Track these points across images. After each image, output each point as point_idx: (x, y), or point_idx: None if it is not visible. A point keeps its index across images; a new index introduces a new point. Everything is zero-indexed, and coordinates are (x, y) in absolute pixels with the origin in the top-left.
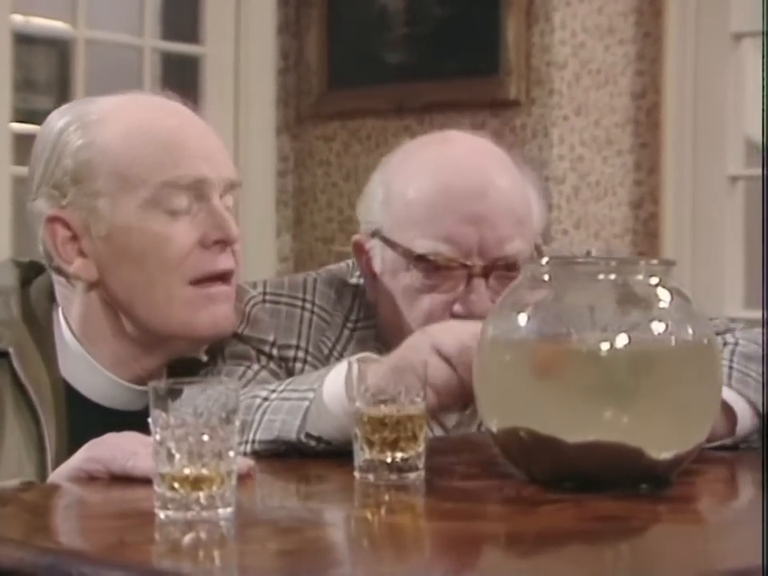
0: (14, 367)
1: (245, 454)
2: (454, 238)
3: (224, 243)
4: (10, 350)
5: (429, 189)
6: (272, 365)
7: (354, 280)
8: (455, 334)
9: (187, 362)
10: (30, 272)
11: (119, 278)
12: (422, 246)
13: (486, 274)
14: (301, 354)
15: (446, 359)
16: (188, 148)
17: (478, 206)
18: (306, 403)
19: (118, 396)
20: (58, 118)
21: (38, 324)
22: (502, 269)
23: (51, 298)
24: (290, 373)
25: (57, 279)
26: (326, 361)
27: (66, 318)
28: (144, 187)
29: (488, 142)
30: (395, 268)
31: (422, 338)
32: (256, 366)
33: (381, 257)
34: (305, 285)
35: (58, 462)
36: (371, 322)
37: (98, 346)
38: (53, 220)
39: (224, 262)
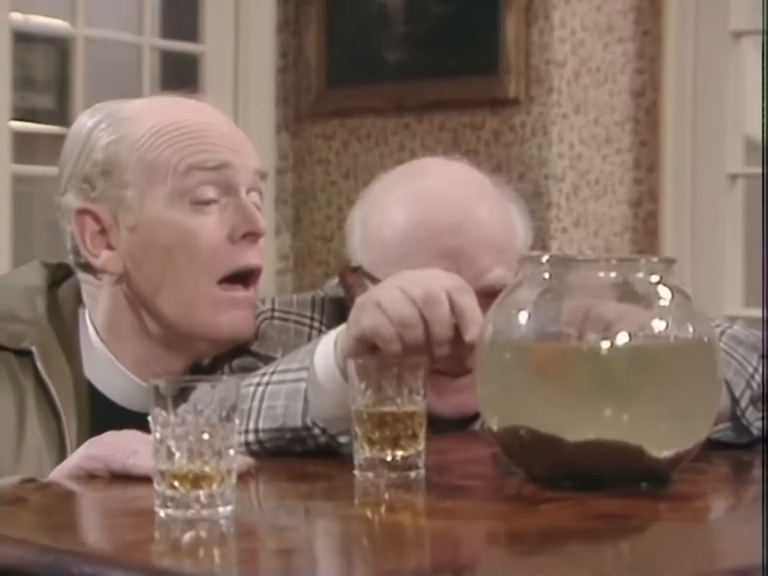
0: (36, 366)
1: (247, 444)
2: None
3: (253, 236)
4: (33, 349)
5: (403, 226)
6: None
7: None
8: (426, 278)
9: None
10: (59, 273)
11: (146, 271)
12: None
13: None
14: None
15: (410, 297)
16: (214, 137)
17: (453, 240)
18: (303, 385)
19: (141, 398)
20: (89, 117)
21: (63, 324)
22: (483, 296)
23: (78, 300)
24: None
25: (83, 277)
26: None
27: (91, 318)
28: (171, 175)
29: (465, 168)
30: None
31: (393, 277)
32: None
33: (363, 292)
34: (313, 303)
35: None
36: None
37: (121, 345)
38: (82, 213)
39: (253, 257)
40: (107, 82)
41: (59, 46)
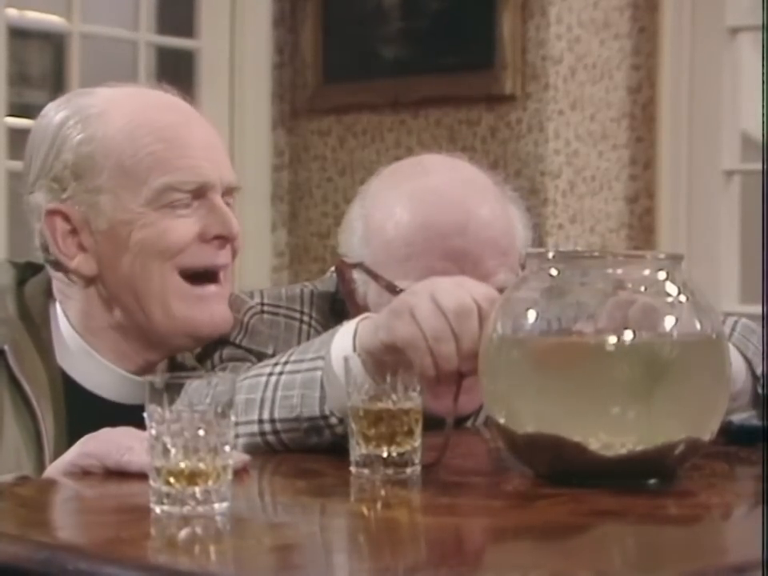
0: (9, 364)
1: (263, 434)
2: (435, 275)
3: (224, 239)
4: (6, 348)
5: (408, 226)
6: None
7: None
8: (458, 289)
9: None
10: (27, 272)
11: (118, 271)
12: (404, 284)
13: None
14: None
15: (442, 310)
16: (191, 148)
17: (458, 242)
18: (319, 373)
19: (121, 388)
20: (56, 111)
21: (33, 321)
22: None
23: (47, 295)
24: None
25: (54, 274)
26: None
27: (65, 313)
28: (147, 187)
29: (466, 166)
30: (379, 301)
31: (425, 284)
32: None
33: (364, 289)
34: (302, 297)
35: (57, 458)
36: None
37: (99, 339)
38: (52, 213)
39: (223, 256)
40: (103, 77)
41: (54, 42)
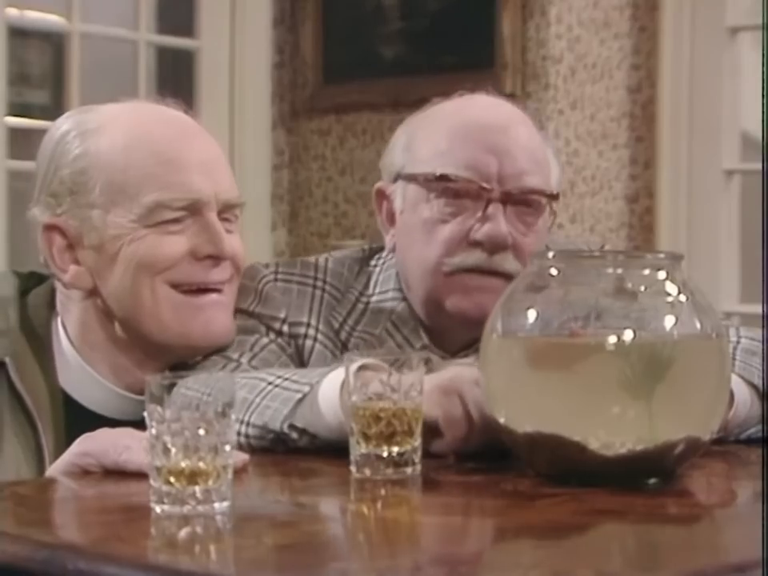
0: (10, 377)
1: (238, 434)
2: (474, 164)
3: (216, 259)
4: (7, 360)
5: (452, 124)
6: (281, 340)
7: (372, 261)
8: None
9: None
10: (29, 282)
11: (110, 286)
12: (446, 170)
13: (504, 200)
14: (311, 332)
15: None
16: (185, 163)
17: (499, 139)
18: (299, 396)
19: (117, 405)
20: (60, 125)
21: (35, 333)
22: (519, 201)
23: (50, 307)
24: (300, 350)
25: (58, 287)
26: (336, 336)
27: (64, 327)
28: (137, 204)
29: (505, 102)
30: (416, 201)
31: (468, 372)
32: (265, 339)
33: (402, 195)
34: (317, 264)
35: None
36: (386, 296)
37: (95, 354)
38: (49, 228)
39: (217, 274)
40: (102, 77)
41: (54, 42)
